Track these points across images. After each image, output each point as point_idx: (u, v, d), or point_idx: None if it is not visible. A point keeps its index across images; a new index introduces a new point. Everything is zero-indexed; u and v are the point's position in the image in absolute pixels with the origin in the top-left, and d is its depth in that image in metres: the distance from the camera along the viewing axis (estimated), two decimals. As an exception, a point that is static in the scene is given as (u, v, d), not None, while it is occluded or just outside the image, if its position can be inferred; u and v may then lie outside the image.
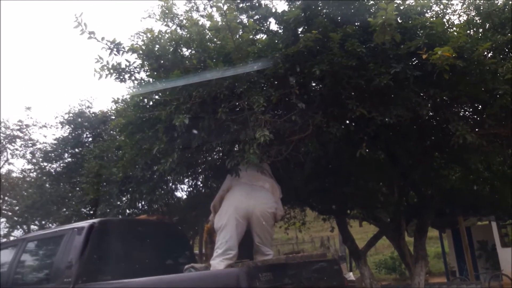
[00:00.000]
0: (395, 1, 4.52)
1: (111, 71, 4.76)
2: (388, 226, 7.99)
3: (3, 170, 16.03)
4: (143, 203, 7.12)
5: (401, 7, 4.94)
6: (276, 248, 23.53)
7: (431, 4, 5.45)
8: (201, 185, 7.78)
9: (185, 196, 8.58)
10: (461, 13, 5.88)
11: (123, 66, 4.86)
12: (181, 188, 8.07)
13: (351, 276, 12.03)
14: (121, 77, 4.91)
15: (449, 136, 4.64)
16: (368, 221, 9.58)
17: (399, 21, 4.64)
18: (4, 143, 15.43)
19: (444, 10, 5.83)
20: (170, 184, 7.11)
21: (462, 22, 5.34)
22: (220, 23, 4.55)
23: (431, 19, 4.91)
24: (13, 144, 15.54)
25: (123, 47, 4.69)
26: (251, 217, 4.58)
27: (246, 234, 4.65)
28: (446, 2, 5.83)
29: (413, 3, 5.29)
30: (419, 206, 7.56)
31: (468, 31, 4.94)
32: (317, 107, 4.78)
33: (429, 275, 15.55)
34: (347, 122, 5.20)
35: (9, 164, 15.94)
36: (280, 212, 4.98)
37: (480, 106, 5.29)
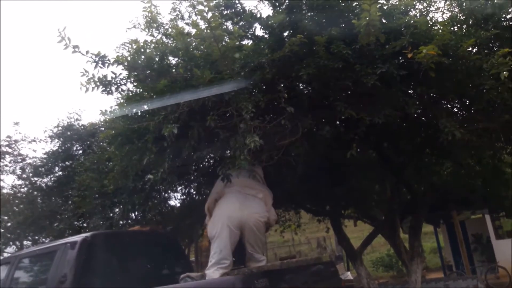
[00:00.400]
0: (378, 1, 4.54)
1: (97, 84, 4.72)
2: (382, 224, 8.01)
3: (-7, 187, 15.86)
4: (136, 214, 7.07)
5: (385, 7, 4.97)
6: (272, 251, 23.49)
7: (414, 3, 5.49)
8: (194, 192, 7.76)
9: (178, 204, 8.56)
10: (445, 10, 5.93)
11: (109, 78, 4.82)
12: (174, 197, 8.04)
13: (348, 275, 12.03)
14: (108, 90, 4.88)
15: (439, 133, 4.67)
16: (362, 220, 9.60)
17: (383, 21, 4.67)
18: (-7, 159, 15.25)
19: (428, 8, 5.87)
20: (163, 194, 7.09)
21: (445, 19, 5.38)
22: (205, 31, 4.54)
23: (415, 18, 4.95)
24: (2, 160, 15.36)
25: (108, 60, 4.66)
26: (244, 227, 4.55)
27: (238, 242, 4.63)
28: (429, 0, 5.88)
29: (397, 3, 5.34)
30: (412, 202, 7.60)
31: (452, 28, 4.99)
32: (306, 110, 4.79)
33: (426, 271, 15.63)
34: (337, 123, 5.21)
35: (-1, 180, 15.77)
36: (274, 218, 4.96)
37: (467, 102, 5.34)
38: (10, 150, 15.27)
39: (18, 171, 15.12)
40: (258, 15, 5.59)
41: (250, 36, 5.59)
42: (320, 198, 7.54)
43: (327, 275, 4.58)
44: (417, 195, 7.41)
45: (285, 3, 5.29)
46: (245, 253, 4.69)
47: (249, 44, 5.28)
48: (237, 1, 5.86)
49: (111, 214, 7.43)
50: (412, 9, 5.49)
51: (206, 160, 5.91)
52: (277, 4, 5.41)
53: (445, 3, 5.95)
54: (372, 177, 7.84)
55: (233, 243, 4.52)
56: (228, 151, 4.78)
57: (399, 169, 6.85)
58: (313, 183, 6.69)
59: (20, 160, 15.25)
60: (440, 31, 4.56)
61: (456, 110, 5.64)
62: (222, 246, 4.42)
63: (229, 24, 5.81)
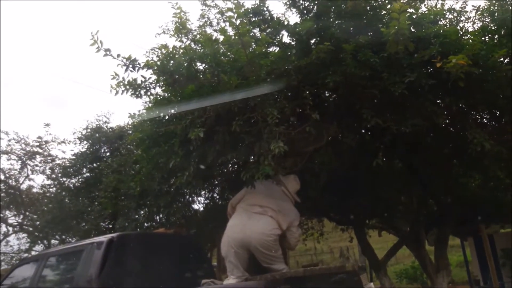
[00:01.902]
0: (407, 10, 4.51)
1: (127, 87, 4.84)
2: (407, 236, 7.87)
3: (24, 186, 16.36)
4: (160, 216, 7.16)
5: (414, 16, 4.93)
6: (294, 259, 23.33)
7: (444, 12, 5.43)
8: (217, 197, 7.81)
9: (202, 209, 8.62)
10: (476, 20, 5.83)
11: (138, 82, 4.93)
12: (198, 201, 8.12)
13: (371, 286, 11.83)
14: (137, 93, 4.98)
15: (467, 144, 4.58)
16: (387, 231, 9.45)
17: (412, 30, 4.63)
18: (24, 159, 15.74)
19: (458, 18, 5.79)
20: (187, 197, 7.16)
21: (476, 29, 5.29)
22: (233, 38, 4.60)
23: (445, 27, 4.89)
24: (33, 160, 15.85)
25: (139, 64, 4.78)
26: (249, 247, 4.53)
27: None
28: (460, 9, 5.80)
29: (426, 12, 5.28)
30: (439, 214, 7.45)
31: (483, 38, 4.90)
32: (331, 118, 4.78)
33: (452, 285, 15.22)
34: (363, 132, 5.17)
35: (30, 180, 16.25)
36: (294, 239, 4.85)
37: (497, 113, 5.22)
38: (40, 151, 15.77)
39: (48, 171, 15.60)
40: (286, 23, 5.63)
41: (277, 43, 5.63)
42: (344, 207, 7.47)
43: (350, 285, 4.52)
44: (444, 207, 7.26)
45: (313, 11, 5.32)
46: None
47: (276, 51, 5.33)
48: (265, 9, 5.91)
49: (136, 216, 7.55)
50: (442, 19, 5.43)
51: (230, 165, 5.96)
52: (305, 11, 5.44)
53: (476, 13, 5.87)
54: (398, 187, 7.72)
55: (242, 261, 4.56)
56: (252, 157, 4.82)
57: (426, 180, 6.72)
58: (337, 192, 6.64)
59: (50, 160, 15.73)
60: (470, 41, 4.50)
61: (485, 121, 5.53)
62: (234, 266, 4.54)
63: (256, 31, 5.87)
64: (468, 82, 4.12)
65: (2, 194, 15.81)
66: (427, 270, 7.29)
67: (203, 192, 7.57)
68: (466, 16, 5.89)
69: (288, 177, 4.90)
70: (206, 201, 8.21)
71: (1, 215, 16.57)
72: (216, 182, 6.96)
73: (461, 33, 4.95)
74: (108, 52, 4.59)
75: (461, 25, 5.72)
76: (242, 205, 4.81)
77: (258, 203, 4.69)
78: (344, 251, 20.67)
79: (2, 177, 15.77)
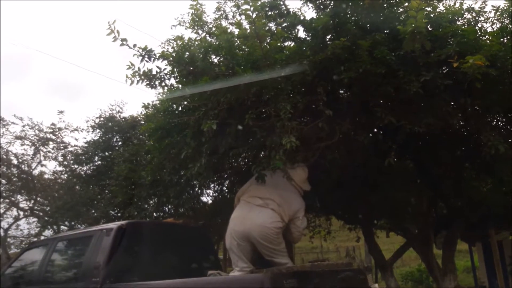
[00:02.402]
0: (425, 8, 4.46)
1: (142, 77, 4.86)
2: (416, 238, 7.82)
3: (36, 172, 16.59)
4: (170, 206, 7.22)
5: (432, 15, 4.87)
6: (300, 257, 23.33)
7: (462, 12, 5.36)
8: (226, 190, 7.84)
9: (210, 201, 8.67)
10: (494, 21, 5.75)
11: (153, 72, 4.95)
12: (207, 193, 8.16)
13: (376, 287, 11.81)
14: (152, 83, 5.01)
15: (481, 146, 4.53)
16: (395, 232, 9.40)
17: (429, 29, 4.59)
18: (37, 145, 15.95)
19: (477, 18, 5.71)
20: (197, 189, 7.20)
21: (495, 30, 5.22)
22: (248, 31, 4.60)
23: (463, 27, 4.83)
24: (46, 146, 16.06)
25: (154, 54, 4.80)
26: (249, 238, 4.50)
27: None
28: (479, 9, 5.72)
29: (444, 11, 5.22)
30: (448, 217, 7.38)
31: (502, 39, 4.83)
32: (344, 114, 4.75)
33: (458, 290, 15.09)
34: (375, 130, 5.15)
35: (42, 166, 16.49)
36: (297, 233, 4.80)
37: (513, 116, 5.16)
38: (53, 137, 15.97)
39: (60, 158, 15.81)
40: (302, 17, 5.61)
41: (292, 37, 5.62)
42: (353, 206, 7.44)
43: (356, 283, 4.51)
44: (454, 210, 7.19)
45: (330, 6, 5.29)
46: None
47: (291, 45, 5.31)
48: (281, 3, 5.90)
49: (146, 205, 7.62)
50: (460, 18, 5.36)
51: (241, 158, 5.97)
52: (321, 7, 5.42)
53: (495, 13, 5.78)
54: (408, 188, 7.66)
55: (245, 252, 4.55)
56: (264, 151, 4.82)
57: (437, 182, 6.67)
58: (346, 190, 6.62)
59: (62, 147, 15.94)
60: (488, 41, 4.44)
61: (500, 124, 5.46)
62: (237, 257, 4.55)
63: (272, 25, 5.86)
64: (485, 83, 4.08)
65: (14, 179, 16.05)
66: (433, 273, 7.24)
67: (212, 185, 7.60)
68: (485, 17, 5.81)
69: (294, 167, 4.81)
70: (215, 194, 8.26)
71: (13, 199, 16.84)
72: (226, 175, 6.99)
73: (479, 33, 4.88)
74: (124, 42, 4.63)
75: (479, 25, 5.65)
76: (244, 198, 4.79)
77: (260, 196, 4.65)
78: (350, 251, 20.64)
79: (15, 162, 16.02)
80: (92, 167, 12.92)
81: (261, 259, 4.66)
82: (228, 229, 4.75)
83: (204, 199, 8.50)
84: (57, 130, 15.88)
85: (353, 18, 4.92)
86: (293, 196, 4.78)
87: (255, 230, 4.46)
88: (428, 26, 4.49)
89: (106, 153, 12.52)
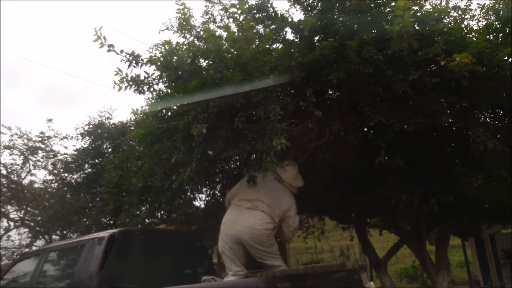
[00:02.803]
0: (412, 8, 4.49)
1: (130, 83, 4.83)
2: (409, 235, 7.85)
3: (26, 181, 16.42)
4: (162, 212, 7.17)
5: (418, 14, 4.90)
6: (294, 257, 23.35)
7: (449, 10, 5.40)
8: (219, 194, 7.81)
9: (203, 206, 8.63)
10: (480, 18, 5.80)
11: (141, 78, 4.92)
12: (199, 198, 8.12)
13: (371, 285, 11.81)
14: (140, 89, 4.97)
15: (470, 143, 4.56)
16: (388, 230, 9.43)
17: (417, 28, 4.61)
18: (26, 154, 15.79)
19: (463, 16, 5.76)
20: (189, 194, 7.17)
21: (481, 27, 5.27)
22: (236, 34, 4.59)
23: (449, 25, 4.87)
24: (35, 155, 15.91)
25: (142, 59, 4.77)
26: (241, 242, 4.52)
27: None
28: (465, 7, 5.78)
29: (431, 10, 5.26)
30: (440, 214, 7.43)
31: (488, 36, 4.87)
32: (334, 115, 4.76)
33: (452, 285, 15.22)
34: (365, 129, 5.16)
35: (32, 175, 16.34)
36: (289, 232, 4.83)
37: (501, 112, 5.20)
38: (43, 146, 15.84)
39: (50, 167, 15.68)
40: (290, 19, 5.61)
41: (280, 39, 5.61)
42: (346, 205, 7.45)
43: (351, 283, 4.52)
44: (446, 206, 7.23)
45: (317, 8, 5.30)
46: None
47: (280, 47, 5.31)
48: (269, 5, 5.89)
49: (138, 212, 7.57)
50: (446, 16, 5.40)
51: (232, 161, 5.95)
52: (309, 8, 5.44)
53: (481, 11, 5.84)
54: (400, 185, 7.70)
55: (238, 256, 4.56)
56: (255, 153, 4.81)
57: (427, 179, 6.71)
58: (338, 190, 6.63)
59: (52, 156, 15.83)
60: (475, 39, 4.47)
61: (489, 120, 5.50)
62: (230, 261, 4.56)
63: (260, 28, 5.85)
64: (472, 80, 4.10)
65: (3, 189, 15.87)
66: (427, 269, 7.27)
67: (204, 189, 7.57)
68: (470, 14, 5.86)
69: (283, 166, 4.77)
70: (207, 198, 8.23)
71: (3, 210, 16.64)
72: (218, 179, 6.96)
73: (466, 31, 4.92)
74: (111, 48, 4.59)
75: (465, 23, 5.70)
76: (234, 201, 4.81)
77: (249, 198, 4.67)
78: (344, 250, 20.71)
79: (4, 172, 15.85)
80: (82, 175, 12.81)
81: (254, 262, 4.66)
82: (220, 233, 4.75)
83: (196, 203, 8.47)
84: (46, 138, 15.78)
85: (340, 19, 4.94)
86: (283, 195, 4.78)
87: (246, 233, 4.46)
88: (415, 25, 4.51)
89: (96, 160, 12.42)
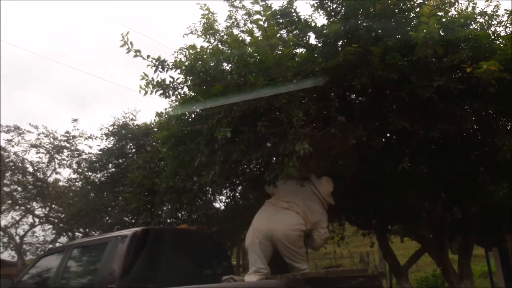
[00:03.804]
0: (437, 14, 4.45)
1: (156, 87, 4.92)
2: (430, 243, 7.74)
3: (51, 179, 16.80)
4: (183, 213, 7.25)
5: (444, 20, 4.86)
6: (313, 262, 23.21)
7: (475, 16, 5.33)
8: (239, 196, 7.86)
9: (223, 207, 8.68)
10: (508, 24, 5.70)
11: (167, 82, 5.01)
12: (220, 200, 8.18)
13: (391, 293, 11.68)
14: (166, 93, 5.06)
15: (496, 151, 4.49)
16: (409, 237, 9.31)
17: (442, 33, 4.57)
18: (52, 153, 16.16)
19: (490, 22, 5.68)
20: (210, 195, 7.23)
21: (508, 33, 5.18)
22: (260, 39, 4.63)
23: (476, 31, 4.81)
24: (60, 154, 16.28)
25: (167, 64, 4.86)
26: (272, 239, 4.59)
27: (279, 253, 4.68)
28: (492, 13, 5.69)
29: (456, 15, 5.20)
30: (463, 222, 7.30)
31: (515, 43, 4.79)
32: (357, 120, 4.75)
33: (475, 295, 14.86)
34: (388, 135, 5.13)
35: (57, 173, 16.71)
36: (320, 240, 4.87)
37: (528, 120, 5.10)
38: (68, 145, 16.18)
39: (74, 166, 16.00)
40: (313, 24, 5.63)
41: (304, 44, 5.63)
42: (367, 211, 7.40)
43: (370, 289, 4.49)
44: (469, 214, 7.11)
45: (341, 13, 5.30)
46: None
47: (303, 52, 5.33)
48: (292, 10, 5.91)
49: (160, 212, 7.66)
50: (472, 22, 5.33)
51: (254, 165, 5.98)
52: (332, 13, 5.43)
53: (508, 16, 5.74)
54: (422, 193, 7.59)
55: (266, 252, 4.62)
56: (276, 157, 4.83)
57: (451, 187, 6.60)
58: (360, 195, 6.59)
59: (76, 155, 16.15)
60: (502, 45, 4.41)
61: (515, 128, 5.40)
62: (256, 256, 4.60)
63: (283, 33, 5.88)
64: (499, 87, 4.05)
65: (30, 186, 16.28)
66: (449, 278, 7.15)
67: (225, 191, 7.62)
68: (498, 20, 5.77)
69: (321, 179, 4.93)
70: (227, 200, 8.27)
71: (28, 206, 17.08)
72: (238, 182, 7.00)
73: (493, 37, 4.86)
74: (138, 53, 4.70)
75: (492, 29, 5.62)
76: (270, 200, 4.93)
77: (285, 199, 4.78)
78: (364, 256, 20.48)
79: (31, 170, 16.25)
80: (106, 174, 13.01)
81: (278, 266, 4.69)
82: (250, 228, 4.83)
83: (217, 205, 8.53)
84: (71, 138, 16.12)
85: (364, 24, 4.93)
86: (316, 207, 4.87)
87: (280, 231, 4.56)
88: (441, 31, 4.48)
89: (120, 160, 12.61)
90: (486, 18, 5.67)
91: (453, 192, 6.66)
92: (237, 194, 7.85)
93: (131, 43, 4.58)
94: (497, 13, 5.79)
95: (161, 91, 4.99)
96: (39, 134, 15.89)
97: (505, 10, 5.77)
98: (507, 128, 5.14)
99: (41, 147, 16.00)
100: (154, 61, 4.79)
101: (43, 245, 18.19)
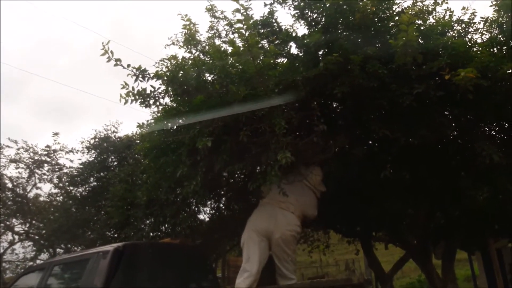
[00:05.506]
0: (415, 22, 4.52)
1: (136, 96, 4.87)
2: (415, 249, 7.78)
3: (31, 194, 16.44)
4: (166, 226, 7.16)
5: (422, 28, 4.94)
6: (299, 272, 23.12)
7: (452, 24, 5.43)
8: (223, 207, 7.80)
9: (207, 219, 8.60)
10: (484, 32, 5.82)
11: (148, 91, 4.96)
12: (204, 211, 8.10)
13: (377, 300, 11.70)
14: (146, 103, 5.02)
15: (476, 156, 4.55)
16: (394, 244, 9.35)
17: (421, 41, 4.64)
18: (32, 168, 15.83)
19: (466, 29, 5.79)
20: (193, 207, 7.16)
21: (485, 40, 5.29)
22: (241, 49, 4.63)
23: (453, 39, 4.89)
24: (40, 169, 15.94)
25: (148, 74, 4.82)
26: (271, 237, 4.67)
27: (270, 260, 4.67)
28: (468, 21, 5.80)
29: (434, 23, 5.29)
30: (447, 227, 7.36)
31: (492, 50, 4.89)
32: (339, 128, 4.78)
33: (459, 300, 15.00)
34: (370, 143, 5.16)
35: (37, 188, 16.34)
36: (311, 212, 5.06)
37: (506, 125, 5.19)
38: (48, 160, 15.86)
39: (55, 180, 15.69)
40: (294, 34, 5.66)
41: (285, 54, 5.65)
42: (351, 219, 7.41)
43: (357, 297, 4.48)
44: (452, 220, 7.18)
45: (321, 23, 5.34)
46: (275, 272, 4.70)
47: (284, 62, 5.35)
48: (273, 20, 5.94)
49: (143, 226, 7.55)
50: (450, 30, 5.43)
51: (237, 175, 5.95)
52: (313, 23, 5.47)
53: (484, 24, 5.86)
54: (405, 199, 7.65)
55: (262, 249, 4.65)
56: (259, 167, 4.82)
57: (433, 193, 6.66)
58: (344, 203, 6.60)
59: (57, 169, 15.82)
60: (479, 52, 4.49)
61: (494, 133, 5.49)
62: (251, 253, 4.64)
63: (265, 43, 5.89)
64: (477, 94, 4.11)
65: (9, 202, 15.89)
66: (434, 283, 7.18)
67: (209, 203, 7.55)
68: (474, 28, 5.87)
69: (309, 169, 5.02)
70: (211, 212, 8.20)
71: (8, 223, 16.64)
72: (222, 192, 6.95)
73: (470, 44, 4.96)
74: (118, 62, 4.65)
75: (469, 36, 5.73)
76: (266, 200, 4.99)
77: (280, 198, 4.81)
78: (350, 264, 20.49)
79: (10, 185, 15.88)
80: (87, 188, 12.80)
81: (265, 279, 4.67)
82: (247, 227, 4.88)
83: (201, 217, 8.44)
84: (51, 152, 15.79)
85: (344, 33, 4.98)
86: (310, 200, 5.08)
87: (280, 231, 4.66)
88: (419, 39, 4.54)
89: (102, 174, 12.43)
90: (463, 25, 5.78)
91: (435, 197, 6.72)
92: (222, 205, 7.79)
93: (111, 52, 4.53)
94: (473, 21, 5.90)
95: (142, 100, 4.93)
96: (18, 149, 15.55)
97: (481, 17, 5.89)
98: (486, 133, 5.23)
99: (20, 162, 15.65)
100: (134, 70, 4.75)
101: (23, 262, 17.71)
